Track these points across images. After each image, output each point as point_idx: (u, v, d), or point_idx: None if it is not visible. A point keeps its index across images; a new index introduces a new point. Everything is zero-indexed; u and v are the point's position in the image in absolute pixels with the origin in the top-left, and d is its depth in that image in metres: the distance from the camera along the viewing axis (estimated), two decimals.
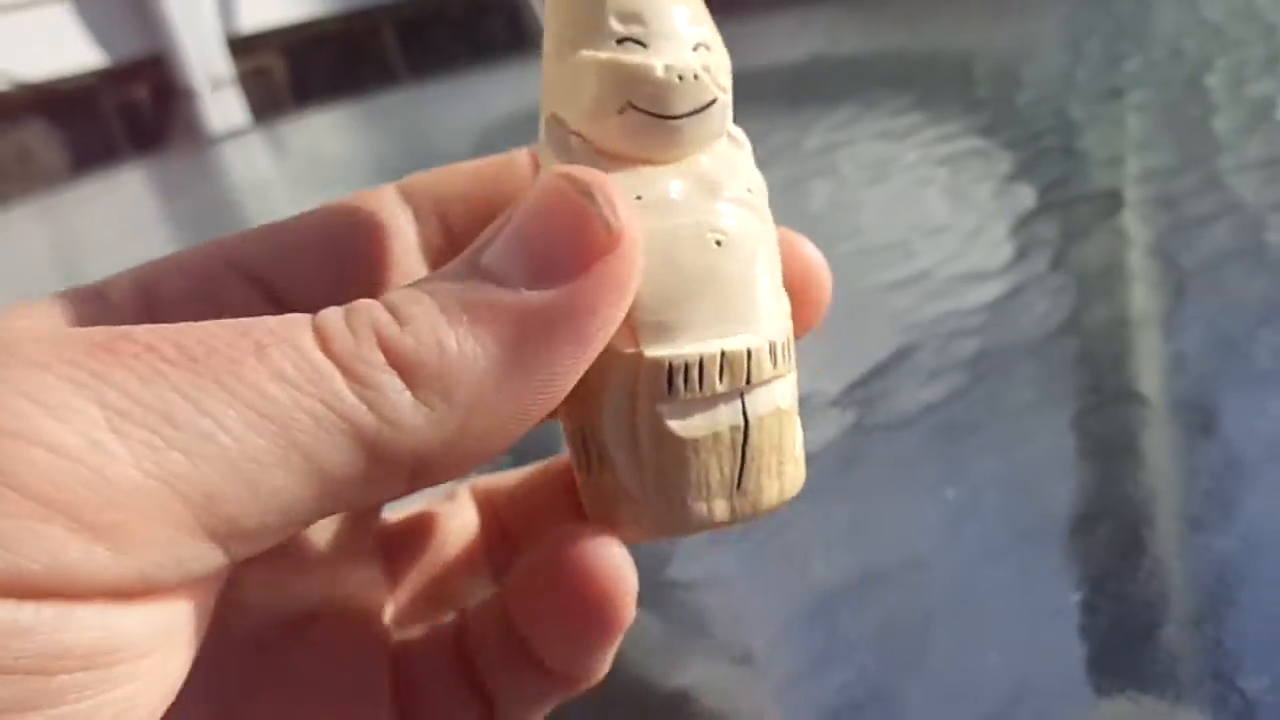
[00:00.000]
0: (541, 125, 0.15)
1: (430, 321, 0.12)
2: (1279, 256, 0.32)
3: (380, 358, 0.11)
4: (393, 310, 0.12)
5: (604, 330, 0.13)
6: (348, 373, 0.11)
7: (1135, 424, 0.26)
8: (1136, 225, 0.36)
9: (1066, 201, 0.39)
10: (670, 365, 0.14)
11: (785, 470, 0.15)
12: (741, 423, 0.14)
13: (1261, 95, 0.44)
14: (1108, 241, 0.35)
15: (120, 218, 0.84)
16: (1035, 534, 0.23)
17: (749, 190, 0.15)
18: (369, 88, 1.21)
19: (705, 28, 0.15)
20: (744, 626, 0.23)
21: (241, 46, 1.32)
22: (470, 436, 0.12)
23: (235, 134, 1.13)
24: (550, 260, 0.12)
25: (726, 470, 0.14)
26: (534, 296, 0.12)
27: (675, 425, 0.14)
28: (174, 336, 0.11)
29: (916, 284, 0.36)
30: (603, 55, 0.14)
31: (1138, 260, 0.34)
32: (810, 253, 0.16)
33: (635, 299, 0.13)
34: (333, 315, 0.12)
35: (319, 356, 0.11)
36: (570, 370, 0.12)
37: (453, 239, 0.16)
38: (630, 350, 0.14)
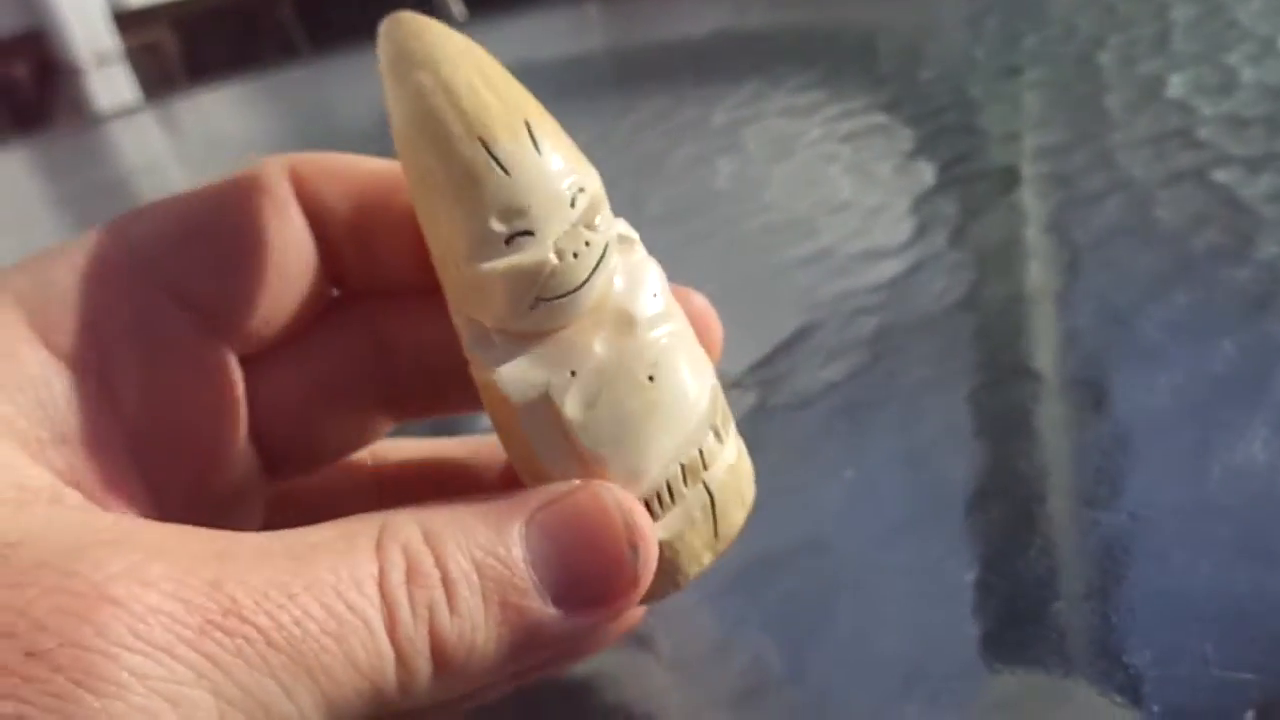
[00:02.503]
0: (458, 326, 0.16)
1: (473, 616, 0.13)
2: (1167, 232, 0.32)
3: (427, 644, 0.13)
4: (448, 584, 0.13)
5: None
6: (399, 656, 0.13)
7: (1029, 400, 0.26)
8: (1033, 201, 0.36)
9: (966, 178, 0.40)
10: (645, 501, 0.15)
11: (744, 489, 0.17)
12: (708, 500, 0.16)
13: (1151, 73, 0.45)
14: (1005, 218, 0.36)
15: (1, 200, 0.80)
16: (931, 513, 0.23)
17: (654, 295, 0.16)
18: (267, 64, 1.17)
19: (560, 154, 0.16)
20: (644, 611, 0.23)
21: (130, 21, 1.26)
22: (454, 694, 0.14)
23: (124, 112, 1.08)
24: (587, 595, 0.14)
25: (705, 537, 0.16)
26: (559, 619, 0.14)
27: (659, 533, 0.15)
28: (276, 613, 0.12)
29: (819, 262, 0.36)
30: (499, 265, 0.15)
31: (1034, 237, 0.34)
32: (700, 304, 0.18)
33: (595, 468, 0.15)
34: (398, 583, 0.13)
35: (385, 644, 0.13)
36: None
37: (334, 237, 0.17)
38: None
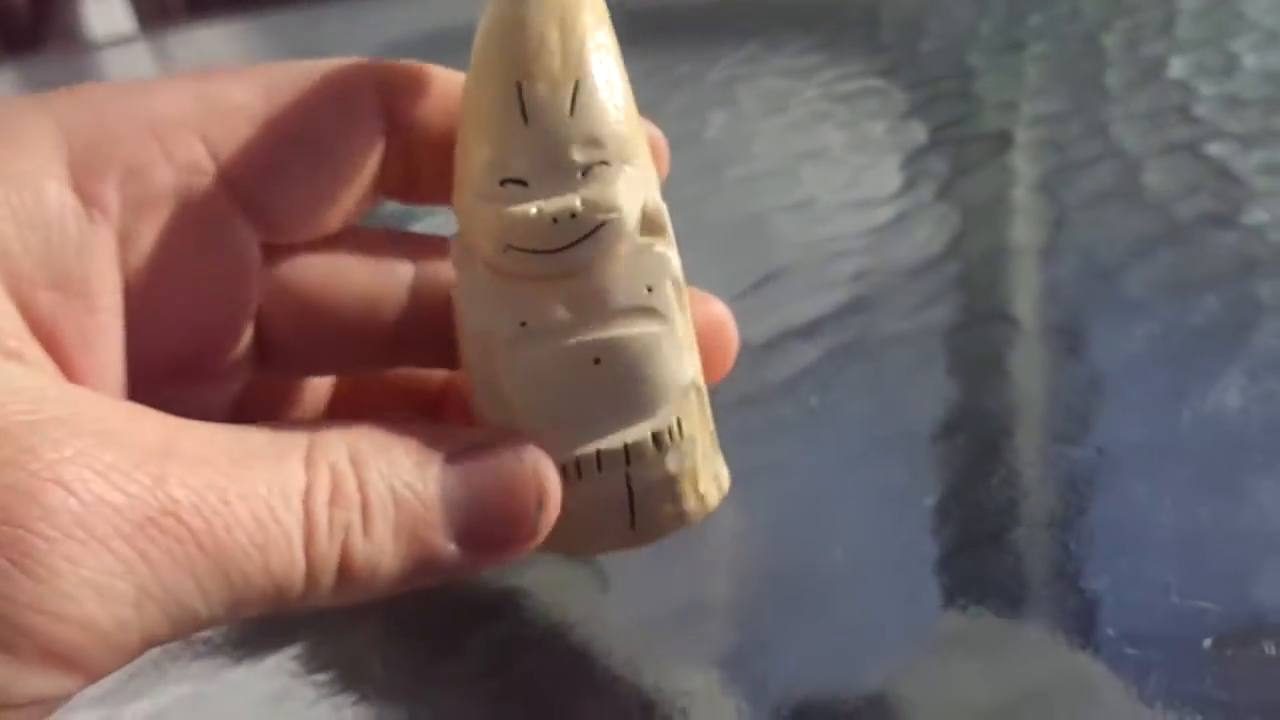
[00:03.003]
0: (453, 242, 0.17)
1: (382, 542, 0.14)
2: (1155, 198, 0.32)
3: (336, 562, 0.14)
4: (366, 509, 0.14)
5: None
6: (309, 569, 0.13)
7: (1003, 344, 0.26)
8: (1024, 164, 0.36)
9: (958, 140, 0.39)
10: (561, 465, 0.16)
11: (684, 505, 0.17)
12: (626, 494, 0.17)
13: (1153, 56, 0.45)
14: (994, 177, 0.35)
15: None
16: (894, 442, 0.22)
17: (648, 289, 0.16)
18: (266, 6, 1.15)
19: (606, 145, 0.16)
20: None
21: None
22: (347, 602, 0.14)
23: (118, 41, 1.06)
24: (487, 541, 0.15)
25: (615, 526, 0.17)
26: (457, 555, 0.15)
27: (564, 498, 0.16)
28: (211, 518, 0.13)
29: (803, 209, 0.35)
30: (483, 202, 0.16)
31: (1022, 195, 0.33)
32: (718, 313, 0.18)
33: (523, 419, 0.16)
34: (321, 502, 0.14)
35: (300, 557, 0.13)
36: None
37: (419, 152, 0.17)
38: None
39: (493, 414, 0.17)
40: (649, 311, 0.16)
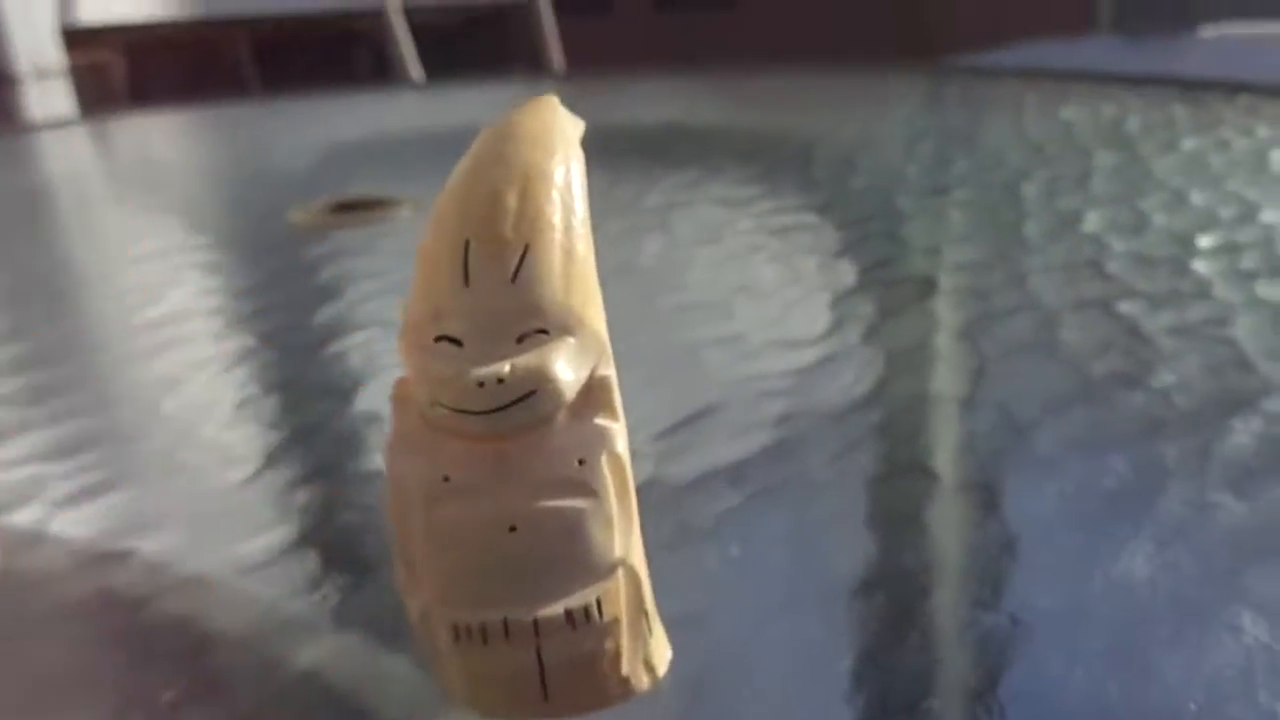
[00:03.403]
0: (397, 382, 0.17)
1: None
2: (1069, 353, 0.33)
3: None
4: None
5: None
6: None
7: (923, 498, 0.26)
8: (946, 311, 0.37)
9: (885, 282, 0.40)
10: (454, 624, 0.16)
11: (603, 687, 0.17)
12: (537, 666, 0.16)
13: (1069, 209, 0.47)
14: (918, 323, 0.36)
15: None
16: (814, 598, 0.22)
17: (579, 462, 0.16)
18: (215, 100, 1.16)
19: (546, 315, 0.16)
20: None
21: (79, 39, 1.24)
22: None
23: (59, 125, 1.05)
24: None
25: (530, 694, 0.16)
26: None
27: (469, 661, 0.16)
28: None
29: (732, 344, 0.36)
30: (419, 353, 0.16)
31: (944, 343, 0.35)
32: None
33: (436, 575, 0.16)
34: None
35: None
36: None
37: None
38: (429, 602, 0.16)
39: (405, 567, 0.17)
40: (578, 485, 0.16)
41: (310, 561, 0.26)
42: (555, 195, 0.16)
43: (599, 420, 0.16)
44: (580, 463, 0.16)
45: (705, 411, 0.31)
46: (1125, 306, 0.36)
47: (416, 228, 0.53)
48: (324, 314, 0.42)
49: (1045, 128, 0.63)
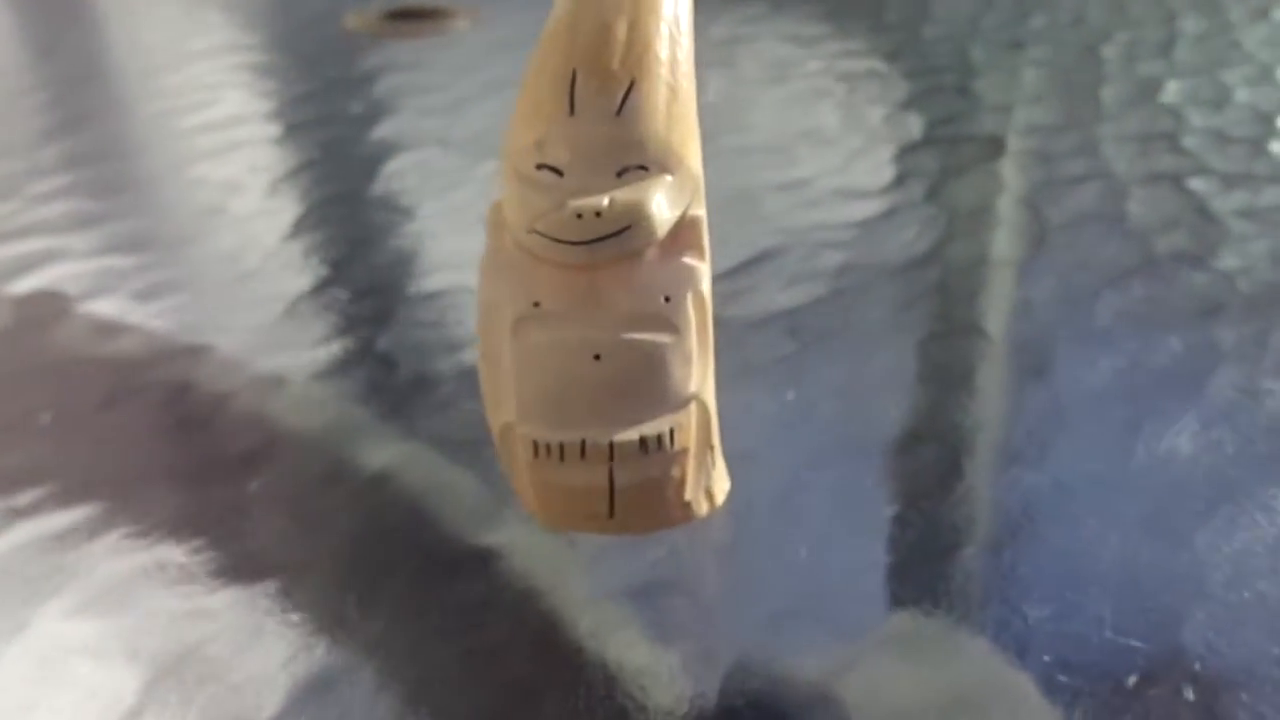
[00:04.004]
0: (491, 206, 0.17)
1: None
2: (1136, 225, 0.33)
3: None
4: None
5: None
6: None
7: (975, 357, 0.26)
8: (1012, 173, 0.36)
9: (952, 139, 0.40)
10: (534, 441, 0.17)
11: (665, 510, 0.17)
12: (607, 486, 0.17)
13: (1150, 75, 0.46)
14: (983, 183, 0.36)
15: None
16: (863, 446, 0.23)
17: (665, 299, 0.16)
18: None
19: (647, 150, 0.16)
20: None
21: None
22: None
23: None
24: None
25: (597, 509, 0.17)
26: None
27: (544, 476, 0.17)
28: None
29: (794, 190, 0.35)
30: (519, 181, 0.16)
31: (1007, 206, 0.34)
32: None
33: (519, 394, 0.17)
34: None
35: None
36: None
37: None
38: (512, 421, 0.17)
39: (491, 385, 0.18)
40: (662, 320, 0.17)
41: (377, 371, 0.27)
42: (664, 29, 0.16)
43: (687, 259, 0.17)
44: (666, 299, 0.17)
45: (766, 255, 0.31)
46: (1197, 183, 0.35)
47: (472, 42, 0.51)
48: (381, 129, 0.42)
49: None
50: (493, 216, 0.17)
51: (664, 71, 0.16)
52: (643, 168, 0.16)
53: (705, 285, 0.17)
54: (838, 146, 0.39)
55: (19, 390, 0.26)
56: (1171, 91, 0.43)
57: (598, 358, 0.16)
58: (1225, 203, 0.34)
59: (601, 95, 0.16)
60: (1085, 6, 0.56)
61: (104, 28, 0.57)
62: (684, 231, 0.17)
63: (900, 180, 0.36)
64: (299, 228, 0.34)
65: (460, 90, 0.45)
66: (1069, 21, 0.53)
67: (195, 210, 0.35)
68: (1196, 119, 0.41)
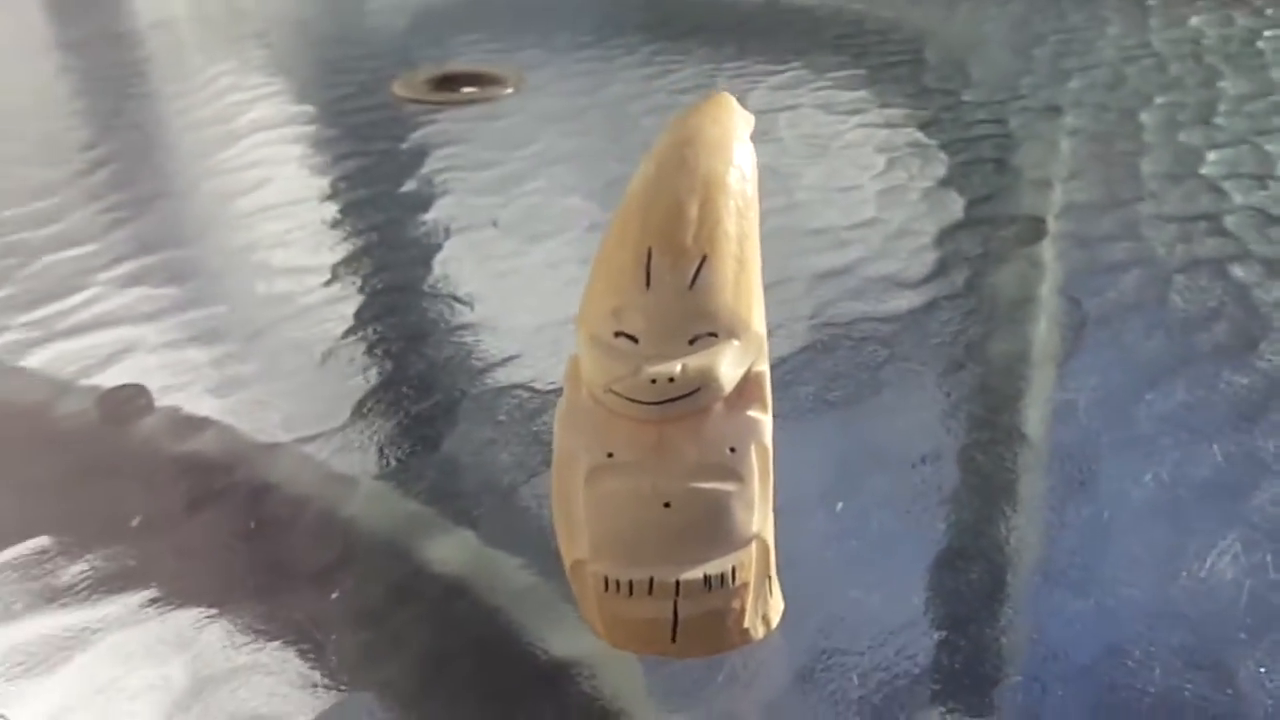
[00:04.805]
0: (570, 360, 0.19)
1: None
2: (1177, 319, 0.33)
3: None
4: None
5: None
6: None
7: (1019, 466, 0.27)
8: (1053, 260, 0.37)
9: (992, 219, 0.40)
10: (605, 577, 0.18)
11: (726, 638, 0.19)
12: (672, 618, 0.19)
13: (1190, 145, 0.46)
14: (1023, 271, 0.36)
15: (11, 41, 0.77)
16: (911, 564, 0.24)
17: (730, 450, 0.18)
18: None
19: (718, 319, 0.18)
20: None
21: None
22: None
23: None
24: None
25: (660, 636, 0.19)
26: None
27: (612, 607, 0.19)
28: None
29: (839, 279, 0.36)
30: (596, 345, 0.18)
31: (1048, 297, 0.35)
32: None
33: (592, 535, 0.18)
34: None
35: None
36: None
37: None
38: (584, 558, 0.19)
39: (565, 523, 0.19)
40: (728, 470, 0.18)
41: (444, 472, 0.28)
42: (732, 205, 0.18)
43: (751, 412, 0.18)
44: (731, 450, 0.18)
45: (811, 350, 0.32)
46: (1239, 271, 0.35)
47: (518, 111, 0.53)
48: (434, 210, 0.43)
49: (1171, 39, 0.60)
50: (571, 369, 0.19)
51: (733, 246, 0.17)
52: (712, 334, 0.17)
53: (768, 437, 0.19)
54: (879, 227, 0.40)
55: (110, 490, 0.28)
56: (1213, 163, 0.44)
57: (668, 505, 0.18)
58: (1268, 292, 0.34)
59: (675, 271, 0.17)
60: (1125, 64, 0.56)
61: (158, 100, 0.59)
62: (749, 387, 0.18)
63: (942, 267, 0.37)
64: (361, 317, 0.35)
65: (510, 166, 0.46)
66: (1108, 82, 0.54)
67: (262, 300, 0.37)
68: (1238, 195, 0.41)
